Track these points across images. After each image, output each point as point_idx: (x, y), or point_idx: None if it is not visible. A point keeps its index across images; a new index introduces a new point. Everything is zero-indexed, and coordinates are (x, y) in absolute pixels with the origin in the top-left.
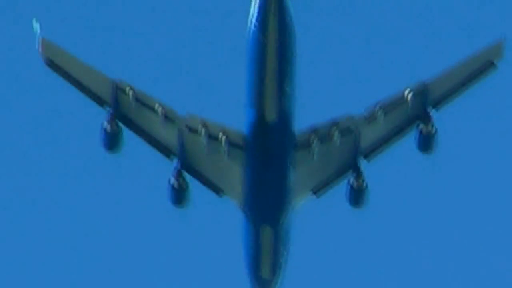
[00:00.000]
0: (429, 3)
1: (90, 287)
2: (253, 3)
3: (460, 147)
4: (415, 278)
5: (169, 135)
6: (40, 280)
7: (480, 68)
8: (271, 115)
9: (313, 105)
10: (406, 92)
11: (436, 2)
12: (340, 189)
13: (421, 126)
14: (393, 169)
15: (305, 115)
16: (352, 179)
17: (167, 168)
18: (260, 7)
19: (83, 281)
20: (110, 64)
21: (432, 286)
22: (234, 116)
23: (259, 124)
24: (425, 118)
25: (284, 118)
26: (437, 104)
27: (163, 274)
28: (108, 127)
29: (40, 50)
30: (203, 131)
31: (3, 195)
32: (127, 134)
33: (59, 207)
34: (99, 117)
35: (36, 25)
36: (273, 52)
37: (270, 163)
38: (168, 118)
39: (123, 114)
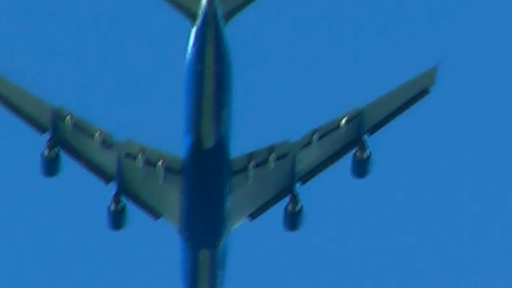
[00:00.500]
0: (362, 30)
1: None
2: (191, 32)
3: (394, 171)
4: None
5: (107, 160)
6: None
7: (414, 94)
8: (208, 141)
9: (250, 131)
10: (341, 119)
11: (369, 30)
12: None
13: (356, 151)
14: (328, 192)
15: (242, 142)
16: (288, 204)
17: (106, 192)
18: (197, 36)
19: None
20: (50, 90)
21: None
22: (172, 142)
23: (196, 151)
24: (360, 144)
25: (221, 144)
26: (372, 130)
27: None
28: (47, 153)
29: None
30: (141, 157)
31: None
32: (65, 159)
33: None
34: (39, 143)
35: None
36: (210, 80)
37: (207, 189)
38: (107, 144)
39: (63, 140)
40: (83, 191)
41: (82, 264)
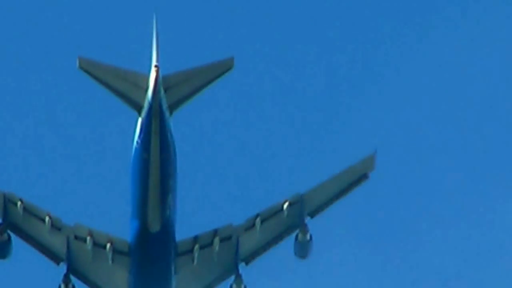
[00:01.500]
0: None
1: None
2: (138, 122)
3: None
4: None
5: (57, 243)
6: None
7: (354, 179)
8: (154, 226)
9: (194, 215)
10: (283, 203)
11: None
12: None
13: (298, 234)
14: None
15: (187, 225)
16: (233, 283)
17: (56, 273)
18: (142, 127)
19: None
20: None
21: None
22: (118, 226)
23: (143, 234)
24: (302, 226)
25: (166, 228)
26: (313, 213)
27: None
28: None
29: None
30: (89, 239)
31: None
32: (16, 240)
33: None
34: None
35: None
36: (155, 168)
37: (153, 269)
38: (56, 227)
39: (13, 223)
40: (34, 272)
41: None
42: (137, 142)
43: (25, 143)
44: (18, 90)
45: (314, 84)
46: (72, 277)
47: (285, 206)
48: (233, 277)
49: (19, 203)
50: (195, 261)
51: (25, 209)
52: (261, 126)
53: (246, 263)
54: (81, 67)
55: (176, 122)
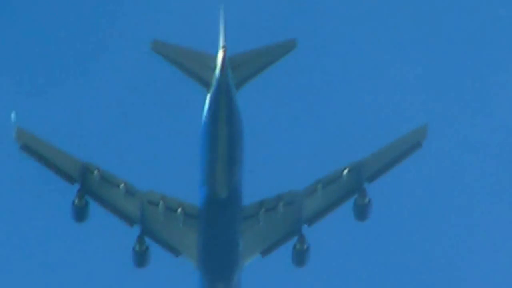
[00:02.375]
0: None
1: None
2: (207, 98)
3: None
4: None
5: (131, 207)
6: None
7: (408, 147)
8: (221, 192)
9: (261, 181)
10: (343, 170)
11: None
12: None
13: (357, 198)
14: (333, 233)
15: (254, 190)
16: (296, 243)
17: (130, 234)
18: (211, 102)
19: None
20: (81, 146)
21: None
22: (188, 192)
23: (211, 200)
24: (361, 191)
25: (233, 194)
26: (370, 179)
27: None
28: (77, 201)
29: (15, 136)
30: (161, 204)
31: None
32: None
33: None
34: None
35: (14, 115)
36: (223, 139)
37: (221, 232)
38: (130, 193)
39: (91, 190)
40: (110, 234)
41: None
42: (205, 116)
43: (104, 118)
44: (102, 69)
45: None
46: (146, 239)
47: (345, 172)
48: (296, 238)
49: (96, 171)
50: (261, 223)
51: (101, 177)
52: (321, 100)
53: (309, 225)
54: (154, 49)
55: (244, 97)
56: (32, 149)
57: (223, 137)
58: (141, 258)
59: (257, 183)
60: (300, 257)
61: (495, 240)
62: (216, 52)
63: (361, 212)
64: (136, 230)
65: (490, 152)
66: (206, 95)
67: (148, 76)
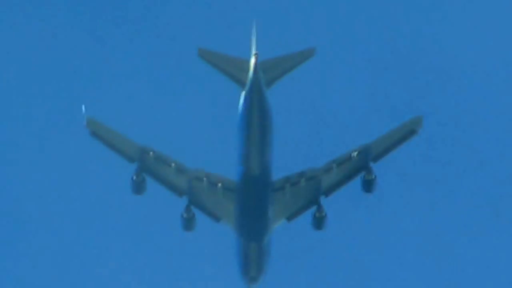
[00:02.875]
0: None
1: None
2: (242, 94)
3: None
4: None
5: (181, 182)
6: None
7: (406, 133)
8: (255, 170)
9: (287, 160)
10: (353, 151)
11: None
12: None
13: (365, 174)
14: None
15: (281, 168)
16: (315, 211)
17: (179, 203)
18: (245, 99)
19: None
20: (141, 131)
21: None
22: (228, 169)
23: (246, 176)
24: (367, 169)
25: (264, 171)
26: (375, 159)
27: (179, 274)
28: (136, 177)
29: (86, 125)
30: (205, 180)
31: None
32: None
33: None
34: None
35: (83, 108)
36: (256, 127)
37: (254, 202)
38: (180, 170)
39: (147, 168)
40: (163, 203)
41: (163, 255)
42: (241, 109)
43: (157, 108)
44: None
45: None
46: (192, 208)
47: (355, 154)
48: (315, 207)
49: (151, 153)
50: (286, 195)
51: (156, 157)
52: (336, 93)
53: (326, 196)
54: (200, 55)
55: (274, 94)
56: (99, 135)
57: (255, 126)
58: (188, 223)
59: (283, 162)
60: (319, 223)
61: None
62: (249, 58)
63: (368, 186)
64: (184, 201)
65: None
66: (241, 92)
67: (194, 76)
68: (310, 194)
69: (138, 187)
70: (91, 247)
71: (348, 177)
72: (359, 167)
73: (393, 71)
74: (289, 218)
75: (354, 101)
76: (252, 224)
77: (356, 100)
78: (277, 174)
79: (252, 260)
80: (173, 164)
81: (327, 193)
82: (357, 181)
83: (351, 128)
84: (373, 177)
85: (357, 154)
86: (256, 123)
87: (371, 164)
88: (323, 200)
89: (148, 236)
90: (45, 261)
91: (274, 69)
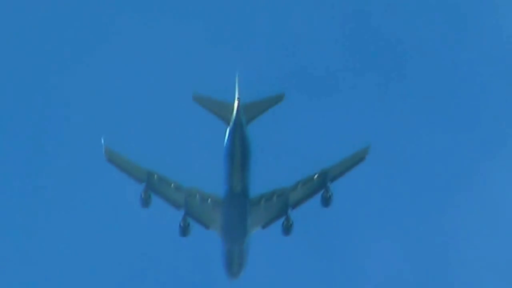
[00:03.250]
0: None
1: None
2: (227, 129)
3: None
4: None
5: (178, 197)
6: None
7: (356, 160)
8: (237, 189)
9: (262, 181)
10: (314, 174)
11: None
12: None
13: (323, 192)
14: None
15: (258, 186)
16: (284, 220)
17: (177, 214)
18: (230, 133)
19: None
20: (148, 157)
21: None
22: (216, 186)
23: (230, 194)
24: (326, 188)
25: (244, 190)
26: (332, 180)
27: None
28: (143, 194)
29: (104, 154)
30: (198, 196)
31: None
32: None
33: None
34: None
35: (102, 140)
36: (238, 156)
37: (236, 214)
38: (178, 189)
39: (152, 187)
40: (163, 214)
41: (165, 254)
42: (226, 141)
43: (161, 133)
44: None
45: None
46: (187, 218)
47: (316, 176)
48: (284, 217)
49: (155, 175)
50: (262, 208)
51: (159, 179)
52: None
53: (293, 208)
54: (194, 99)
55: (253, 129)
56: (114, 161)
57: (238, 155)
58: (184, 230)
59: (260, 183)
60: (287, 229)
61: None
62: (233, 101)
63: (326, 201)
64: (181, 213)
65: None
66: (226, 128)
67: (187, 116)
68: (280, 207)
69: (145, 202)
70: (101, 249)
71: (310, 194)
72: (319, 186)
73: None
74: (264, 226)
75: (315, 136)
76: (234, 231)
77: (317, 134)
78: (255, 191)
79: (234, 259)
80: (172, 184)
81: (294, 206)
82: (317, 197)
83: (313, 156)
84: (330, 194)
85: (317, 176)
86: (238, 152)
87: (329, 184)
88: (290, 211)
89: (152, 240)
90: (52, 266)
91: (252, 110)
